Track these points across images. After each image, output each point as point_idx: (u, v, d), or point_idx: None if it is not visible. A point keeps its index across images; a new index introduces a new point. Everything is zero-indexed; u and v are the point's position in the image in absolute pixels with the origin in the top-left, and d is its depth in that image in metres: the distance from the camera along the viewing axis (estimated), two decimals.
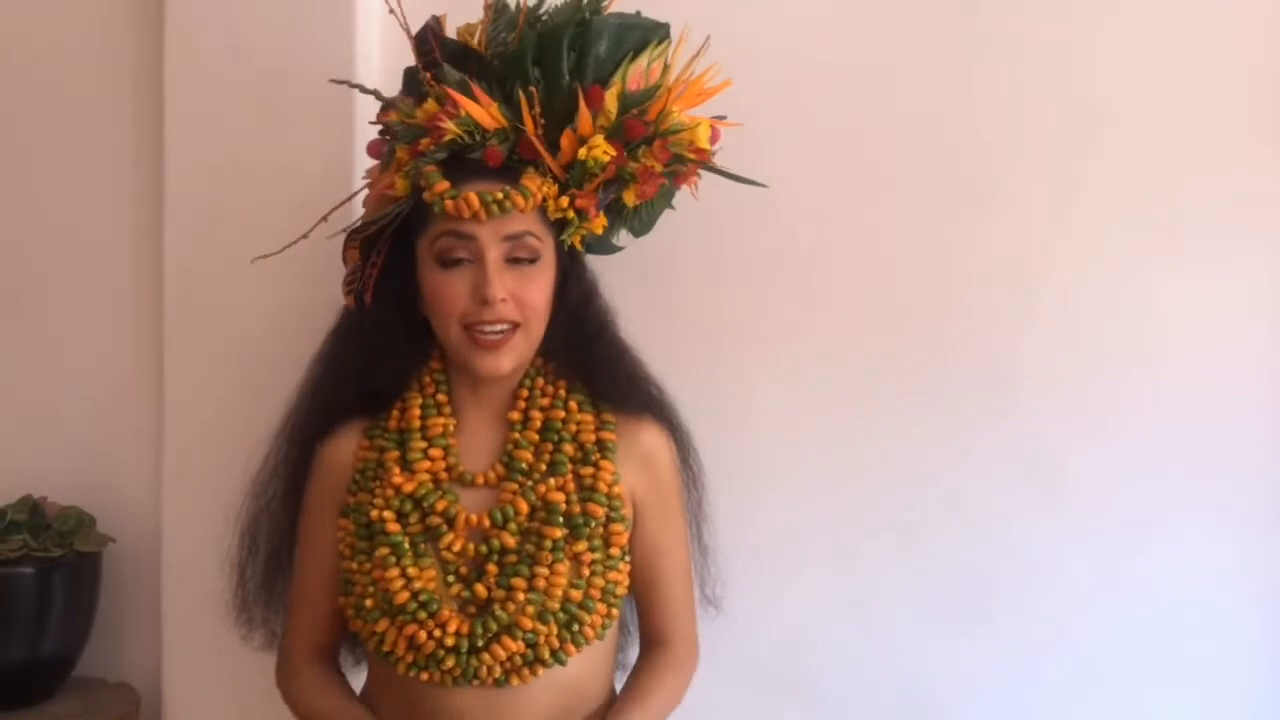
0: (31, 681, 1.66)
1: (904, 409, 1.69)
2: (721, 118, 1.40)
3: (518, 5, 1.39)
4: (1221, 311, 1.66)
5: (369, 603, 1.30)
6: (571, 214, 1.33)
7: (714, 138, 1.40)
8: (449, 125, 1.30)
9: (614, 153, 1.32)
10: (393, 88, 1.45)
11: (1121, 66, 1.65)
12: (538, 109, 1.32)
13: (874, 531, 1.69)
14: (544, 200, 1.32)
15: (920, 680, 1.70)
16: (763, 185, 1.42)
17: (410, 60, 1.39)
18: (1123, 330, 1.67)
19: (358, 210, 1.47)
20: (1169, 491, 1.67)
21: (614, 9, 1.40)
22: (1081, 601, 1.68)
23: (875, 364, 1.69)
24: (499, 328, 1.30)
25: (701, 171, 1.41)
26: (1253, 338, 1.66)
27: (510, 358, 1.32)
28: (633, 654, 1.46)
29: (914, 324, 1.68)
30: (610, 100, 1.33)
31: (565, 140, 1.33)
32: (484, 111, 1.32)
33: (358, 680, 1.46)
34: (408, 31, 1.39)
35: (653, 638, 1.43)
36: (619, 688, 1.42)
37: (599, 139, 1.31)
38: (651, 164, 1.34)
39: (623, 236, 1.45)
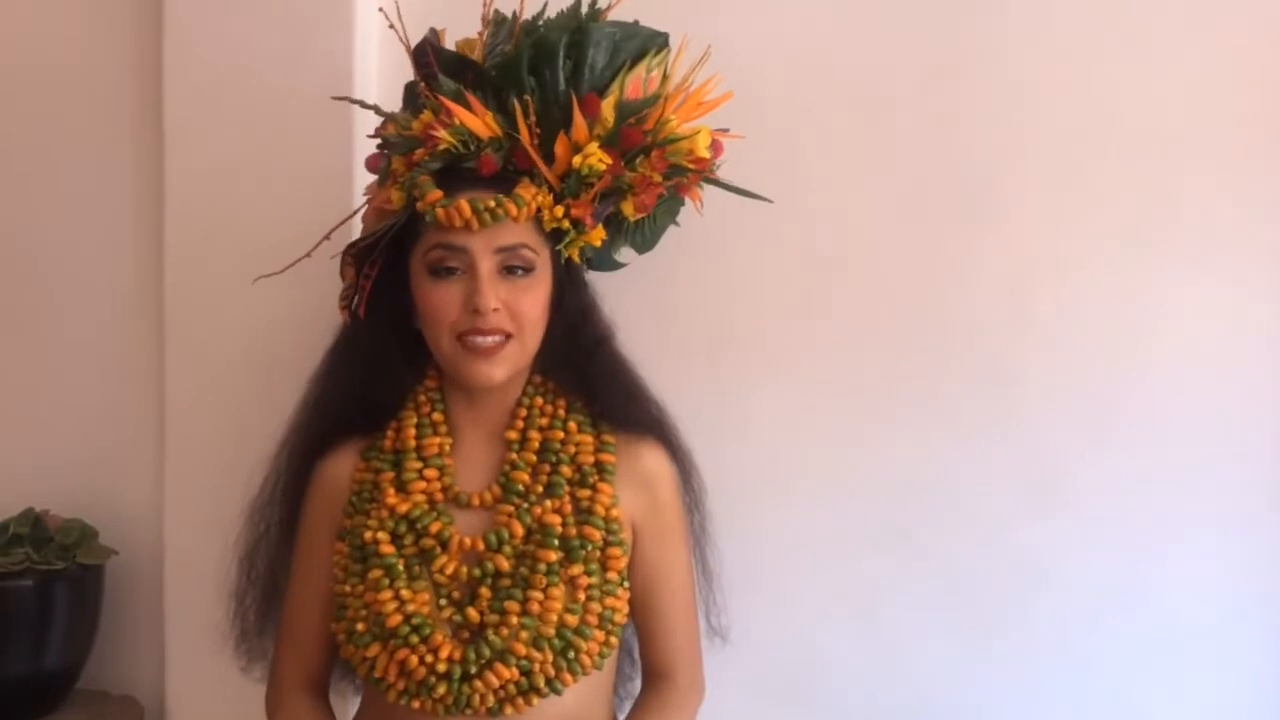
0: (35, 695, 1.65)
1: (907, 419, 1.67)
2: (724, 130, 1.38)
3: (514, 14, 1.37)
4: (1223, 317, 1.64)
5: (360, 626, 1.27)
6: (567, 224, 1.31)
7: (716, 151, 1.37)
8: (443, 134, 1.29)
9: (609, 161, 1.29)
10: (392, 102, 1.44)
11: (1122, 74, 1.64)
12: (533, 118, 1.30)
13: (878, 542, 1.67)
14: (539, 210, 1.30)
15: (927, 691, 1.68)
16: (767, 200, 1.40)
17: (410, 75, 1.38)
18: (1125, 337, 1.65)
19: (360, 226, 1.45)
20: (1173, 497, 1.65)
21: (612, 17, 1.38)
22: (1087, 609, 1.66)
23: (878, 374, 1.67)
24: (491, 338, 1.28)
25: (705, 185, 1.39)
26: (1255, 343, 1.64)
27: (503, 367, 1.29)
28: (636, 685, 1.43)
29: (916, 334, 1.67)
30: (607, 109, 1.31)
31: (560, 147, 1.31)
32: (479, 120, 1.30)
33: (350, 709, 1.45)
34: (407, 46, 1.37)
35: (654, 670, 1.39)
36: None
37: (594, 147, 1.29)
38: (650, 174, 1.31)
39: (626, 253, 1.43)
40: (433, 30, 1.37)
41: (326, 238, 1.40)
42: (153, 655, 1.73)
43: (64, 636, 1.65)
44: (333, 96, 1.48)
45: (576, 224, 1.31)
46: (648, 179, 1.31)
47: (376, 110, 1.41)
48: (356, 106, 1.47)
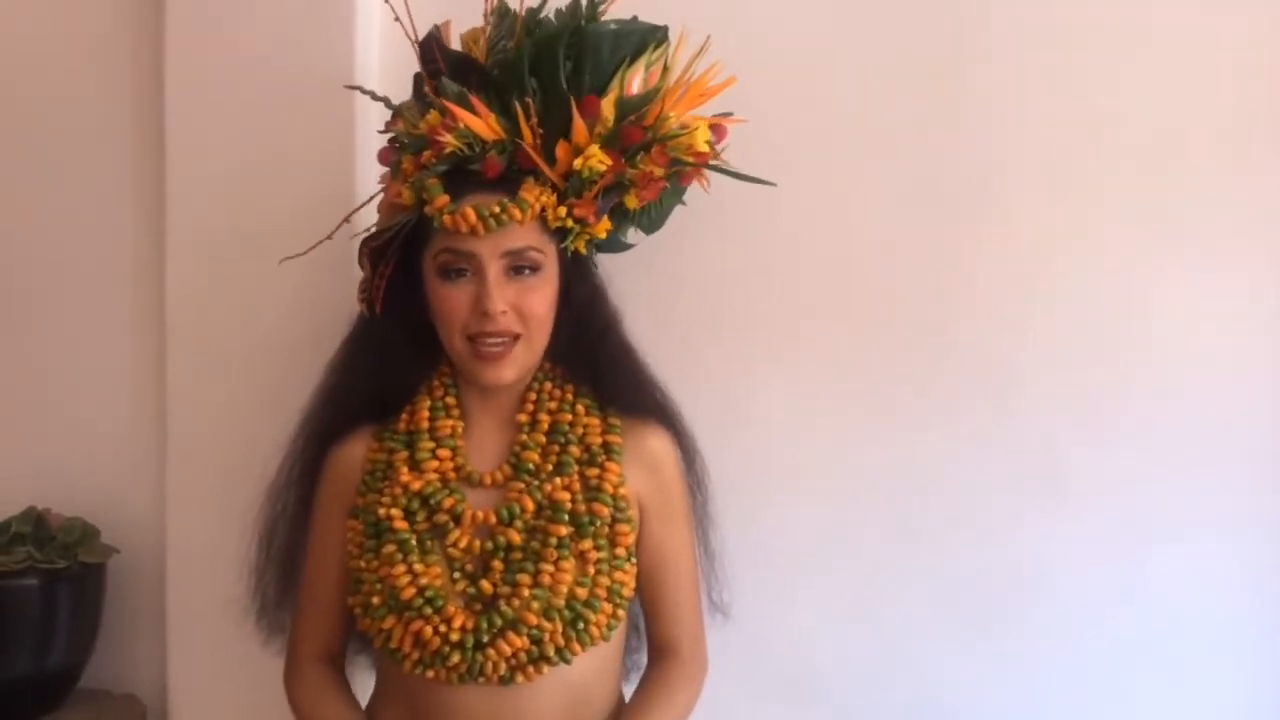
0: (37, 693, 1.65)
1: (909, 414, 1.68)
2: (728, 114, 1.41)
3: (514, 12, 1.40)
4: (1224, 316, 1.65)
5: (375, 600, 1.31)
6: (570, 223, 1.35)
7: (720, 135, 1.41)
8: (448, 139, 1.32)
9: (610, 161, 1.33)
10: (393, 94, 1.46)
11: (1122, 71, 1.65)
12: (535, 120, 1.34)
13: (879, 537, 1.68)
14: (543, 210, 1.33)
15: (927, 686, 1.68)
16: (771, 184, 1.43)
17: (413, 65, 1.41)
18: (1126, 335, 1.66)
19: (373, 214, 1.47)
20: (1174, 496, 1.65)
21: (612, 12, 1.41)
22: (1087, 608, 1.67)
23: (880, 369, 1.68)
24: (500, 340, 1.32)
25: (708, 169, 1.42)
26: (1255, 341, 1.65)
27: (512, 369, 1.34)
28: (643, 658, 1.46)
29: (918, 329, 1.68)
30: (607, 107, 1.34)
31: (561, 151, 1.34)
32: (482, 124, 1.33)
33: (368, 684, 1.46)
34: (413, 40, 1.40)
35: (661, 646, 1.43)
36: (627, 695, 1.42)
37: (594, 149, 1.33)
38: (651, 169, 1.35)
39: (634, 234, 1.46)
40: (437, 26, 1.40)
41: (346, 220, 1.44)
42: (155, 654, 1.74)
43: (66, 635, 1.65)
44: (345, 85, 1.51)
45: (580, 222, 1.35)
46: (649, 174, 1.35)
47: (386, 102, 1.43)
48: (358, 100, 1.49)
